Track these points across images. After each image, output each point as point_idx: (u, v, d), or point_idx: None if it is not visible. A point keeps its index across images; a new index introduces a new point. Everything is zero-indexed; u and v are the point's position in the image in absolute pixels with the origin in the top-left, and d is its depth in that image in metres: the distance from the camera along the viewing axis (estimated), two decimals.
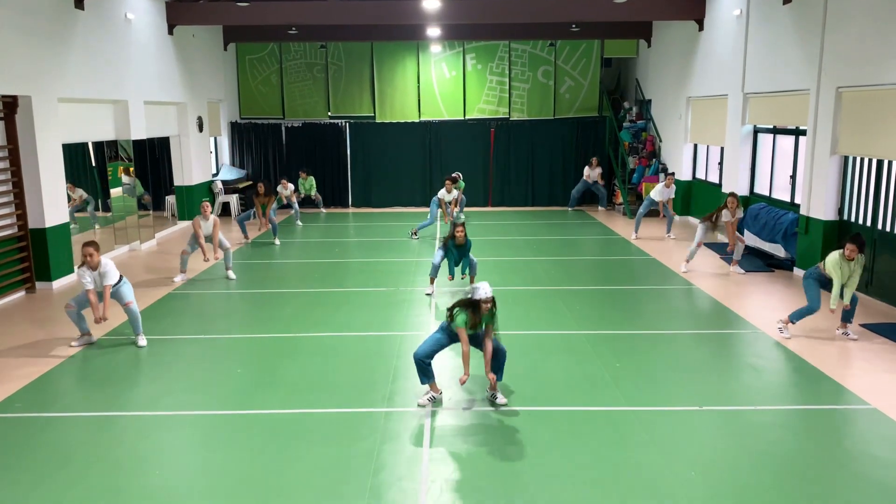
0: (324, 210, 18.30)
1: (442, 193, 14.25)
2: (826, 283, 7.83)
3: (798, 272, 10.93)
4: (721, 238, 13.83)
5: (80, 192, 12.14)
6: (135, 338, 7.90)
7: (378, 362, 7.24)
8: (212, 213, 10.91)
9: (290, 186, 15.73)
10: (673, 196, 14.09)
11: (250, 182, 18.22)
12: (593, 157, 17.69)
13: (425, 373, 6.18)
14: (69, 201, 11.45)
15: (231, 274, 10.96)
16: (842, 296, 7.74)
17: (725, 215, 10.86)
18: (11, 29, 9.54)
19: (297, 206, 16.08)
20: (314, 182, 17.23)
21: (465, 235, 9.76)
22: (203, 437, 5.68)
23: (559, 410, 6.09)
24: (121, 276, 7.79)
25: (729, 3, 13.53)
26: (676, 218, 16.15)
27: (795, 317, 7.99)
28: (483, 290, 5.99)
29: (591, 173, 17.53)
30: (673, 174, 14.13)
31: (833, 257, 7.68)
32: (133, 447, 5.48)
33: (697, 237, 11.06)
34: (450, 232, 9.84)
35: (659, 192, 13.92)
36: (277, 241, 13.89)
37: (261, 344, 7.91)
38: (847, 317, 7.97)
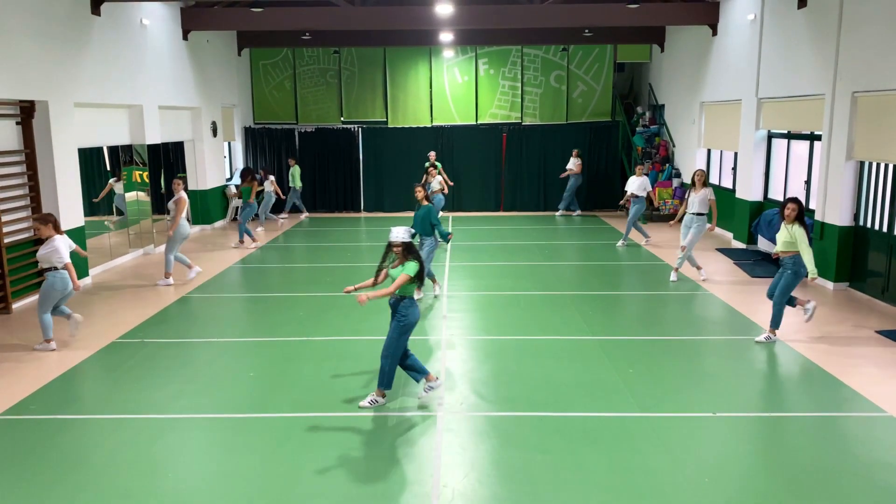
0: (304, 215, 18.14)
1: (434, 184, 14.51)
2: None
3: None
4: (736, 244, 13.75)
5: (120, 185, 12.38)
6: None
7: None
8: (184, 189, 10.80)
9: (271, 177, 15.65)
10: (648, 188, 13.46)
11: (262, 188, 18.27)
12: (574, 149, 17.69)
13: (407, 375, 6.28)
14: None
15: (192, 273, 10.94)
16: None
17: (692, 195, 10.62)
18: (28, 35, 9.64)
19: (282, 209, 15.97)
20: (297, 173, 17.09)
21: (427, 197, 9.65)
22: (215, 440, 5.70)
23: (572, 416, 6.06)
24: (55, 267, 7.66)
25: (743, 7, 13.48)
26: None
27: (774, 324, 8.02)
28: (392, 233, 6.04)
29: (571, 165, 17.51)
30: (643, 164, 13.91)
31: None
32: (146, 450, 5.51)
33: (681, 240, 10.74)
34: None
35: (635, 184, 13.47)
36: (256, 243, 13.91)
37: (273, 347, 7.93)
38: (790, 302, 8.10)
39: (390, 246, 6.10)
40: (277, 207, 17.41)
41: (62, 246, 7.68)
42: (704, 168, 15.69)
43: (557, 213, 18.13)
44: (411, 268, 5.97)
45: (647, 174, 17.31)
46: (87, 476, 5.11)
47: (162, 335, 8.29)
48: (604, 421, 5.97)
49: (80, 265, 10.77)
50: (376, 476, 5.07)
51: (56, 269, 7.66)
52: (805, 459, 5.30)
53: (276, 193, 15.90)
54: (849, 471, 5.13)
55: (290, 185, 17.12)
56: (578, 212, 18.11)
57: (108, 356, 7.67)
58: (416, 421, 5.99)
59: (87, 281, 10.97)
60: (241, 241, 13.86)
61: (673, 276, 10.86)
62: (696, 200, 10.58)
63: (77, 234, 10.80)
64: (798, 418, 6.06)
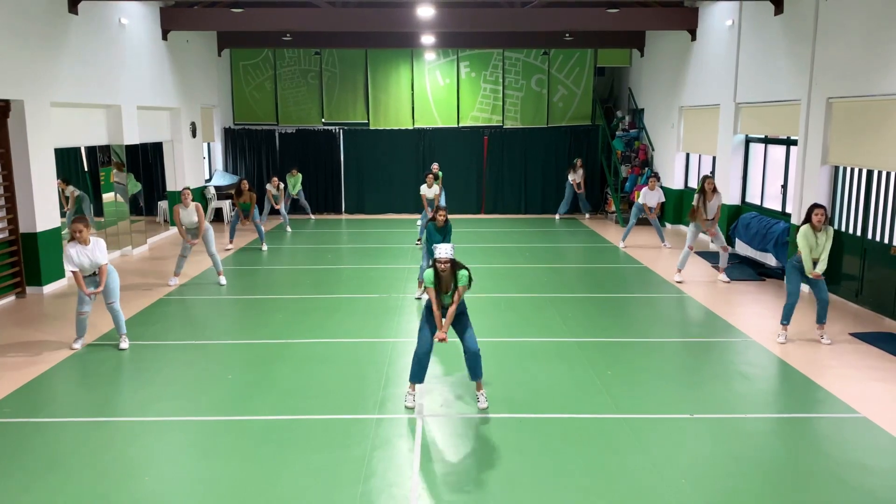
0: (313, 216, 18.25)
1: (423, 189, 14.19)
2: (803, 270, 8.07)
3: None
4: (714, 247, 13.89)
5: (72, 189, 12.03)
6: (118, 339, 7.90)
7: (369, 369, 7.23)
8: (193, 200, 10.69)
9: (282, 185, 15.56)
10: (662, 199, 13.93)
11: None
12: (577, 159, 17.73)
13: (420, 372, 6.22)
14: (66, 202, 11.38)
15: (222, 279, 10.94)
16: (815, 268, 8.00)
17: (709, 199, 10.78)
18: (4, 32, 9.52)
19: (285, 212, 15.94)
20: (300, 179, 16.98)
21: (447, 220, 9.52)
22: (193, 443, 5.65)
23: (550, 418, 6.09)
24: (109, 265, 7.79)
25: (721, 13, 13.64)
26: (668, 226, 16.22)
27: (784, 318, 8.18)
28: (439, 250, 6.04)
29: (576, 176, 17.52)
30: (656, 175, 14.16)
31: (801, 230, 7.96)
32: (122, 453, 5.45)
33: (688, 240, 11.01)
34: (431, 215, 9.78)
35: (644, 195, 13.82)
36: (265, 247, 13.80)
37: (252, 350, 7.89)
38: (820, 318, 8.15)
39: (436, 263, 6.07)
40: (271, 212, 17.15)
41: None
42: (706, 173, 15.60)
43: (588, 216, 18.14)
44: (464, 278, 6.11)
45: (626, 177, 17.50)
46: (63, 480, 5.05)
47: (138, 337, 8.21)
48: (582, 422, 6.00)
49: (61, 268, 10.67)
50: (354, 478, 5.06)
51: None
52: (780, 460, 5.37)
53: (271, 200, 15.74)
54: (823, 471, 5.21)
55: (291, 192, 16.89)
56: (558, 216, 18.17)
57: (84, 358, 7.58)
58: (395, 423, 5.99)
59: (63, 283, 10.84)
60: (263, 242, 13.87)
61: (724, 277, 11.11)
62: (713, 207, 10.78)
63: (53, 236, 10.68)
64: (773, 419, 6.13)
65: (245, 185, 13.46)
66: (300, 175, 17.06)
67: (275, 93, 18.86)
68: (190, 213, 10.63)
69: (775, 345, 8.01)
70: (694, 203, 10.90)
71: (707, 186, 10.80)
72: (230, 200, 17.46)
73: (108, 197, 12.88)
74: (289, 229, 16.06)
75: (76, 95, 11.36)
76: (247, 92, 18.87)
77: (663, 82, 16.66)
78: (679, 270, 11.06)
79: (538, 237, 15.38)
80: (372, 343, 8.06)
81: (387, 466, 5.25)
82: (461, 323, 6.29)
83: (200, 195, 16.77)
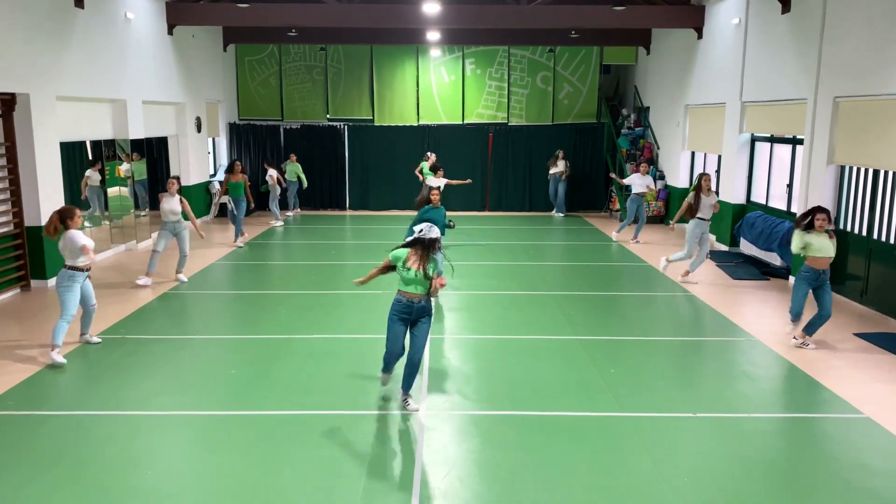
0: (295, 212, 17.93)
1: (431, 180, 14.19)
2: (817, 281, 7.78)
3: (793, 280, 10.92)
4: (719, 246, 13.86)
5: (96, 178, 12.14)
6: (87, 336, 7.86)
7: (372, 365, 7.22)
8: (179, 190, 10.38)
9: (273, 173, 15.82)
10: (653, 186, 13.95)
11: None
12: (559, 151, 17.69)
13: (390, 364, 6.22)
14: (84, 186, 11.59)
15: (183, 277, 10.71)
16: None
17: (703, 199, 10.45)
18: (11, 26, 9.53)
19: (276, 207, 16.13)
20: (300, 168, 17.13)
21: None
22: (195, 438, 5.67)
23: (553, 415, 6.09)
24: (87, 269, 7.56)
25: (728, 11, 13.59)
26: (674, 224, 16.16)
27: (807, 329, 7.89)
28: (432, 230, 5.92)
29: (558, 168, 17.43)
30: (645, 162, 14.19)
31: (798, 235, 7.68)
32: (125, 447, 5.47)
33: (692, 247, 10.59)
34: (425, 196, 9.80)
35: (636, 181, 13.79)
36: (240, 243, 13.43)
37: (255, 345, 7.90)
38: (814, 329, 7.89)
39: (434, 242, 5.92)
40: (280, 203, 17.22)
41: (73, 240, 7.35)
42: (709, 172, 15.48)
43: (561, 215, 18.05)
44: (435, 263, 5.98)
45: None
46: (66, 473, 5.06)
47: (142, 331, 8.23)
48: (585, 420, 6.00)
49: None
50: (357, 474, 5.07)
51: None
52: (783, 460, 5.36)
53: (280, 185, 16.22)
54: (825, 472, 5.20)
55: (289, 179, 17.00)
56: (562, 214, 18.16)
57: (87, 352, 7.59)
58: (398, 419, 5.99)
59: None
60: (237, 239, 13.57)
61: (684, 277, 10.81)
62: (708, 205, 10.50)
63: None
64: (777, 419, 6.12)
65: (238, 165, 13.52)
66: (298, 165, 17.14)
67: (280, 88, 18.86)
68: (172, 202, 10.25)
69: (779, 344, 7.98)
70: (689, 199, 10.58)
71: (705, 183, 10.63)
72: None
73: (113, 191, 12.89)
74: (280, 222, 16.18)
75: (82, 89, 11.37)
76: (252, 87, 18.88)
77: (669, 80, 16.61)
78: (689, 272, 10.87)
79: (542, 234, 15.37)
80: (375, 339, 8.04)
81: (389, 463, 5.25)
82: (419, 327, 6.07)
83: (205, 190, 16.80)
